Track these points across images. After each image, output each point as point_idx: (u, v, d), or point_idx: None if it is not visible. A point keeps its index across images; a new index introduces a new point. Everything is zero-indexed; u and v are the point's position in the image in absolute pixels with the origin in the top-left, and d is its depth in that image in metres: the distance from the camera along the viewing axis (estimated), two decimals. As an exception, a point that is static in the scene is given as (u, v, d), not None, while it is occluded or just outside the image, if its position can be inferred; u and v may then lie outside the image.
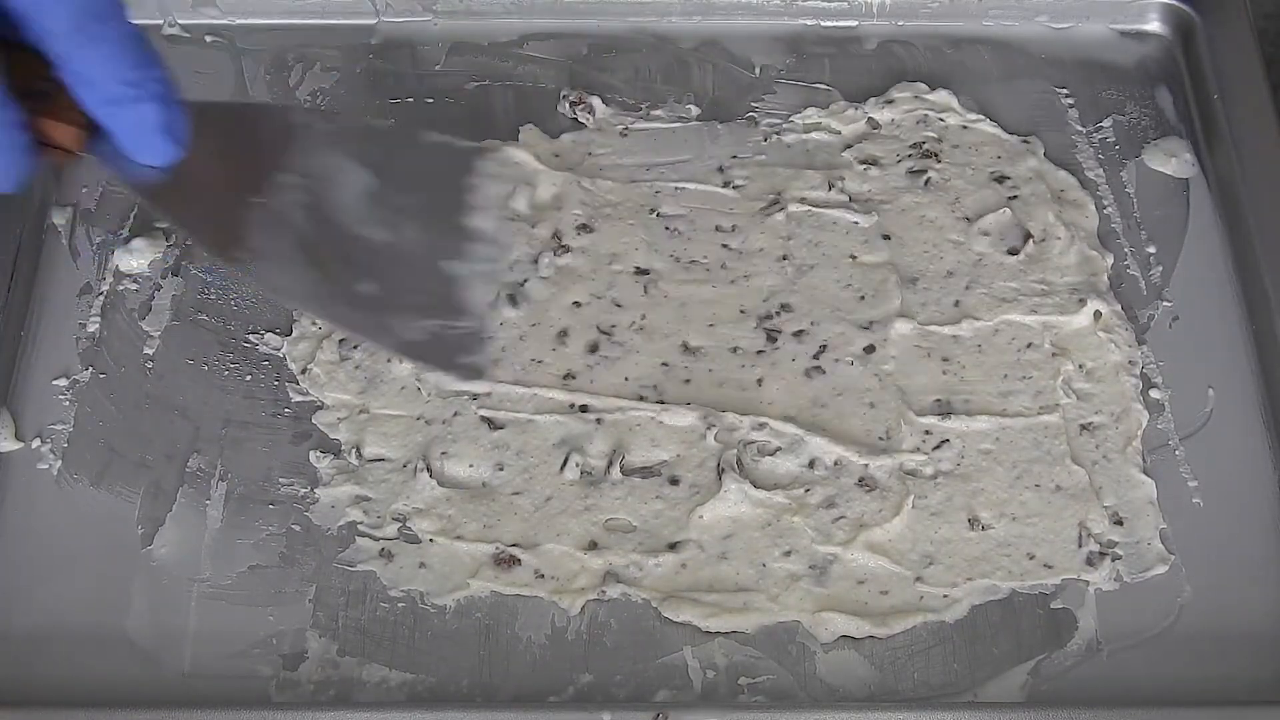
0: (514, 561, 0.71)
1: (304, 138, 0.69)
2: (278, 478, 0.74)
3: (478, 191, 0.73)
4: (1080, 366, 0.78)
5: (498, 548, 0.72)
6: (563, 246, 0.81)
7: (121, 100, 0.59)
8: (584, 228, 0.82)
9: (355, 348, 0.78)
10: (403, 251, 0.69)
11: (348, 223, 0.68)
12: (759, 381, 0.77)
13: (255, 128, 0.69)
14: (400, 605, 0.71)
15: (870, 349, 0.78)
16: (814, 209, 0.83)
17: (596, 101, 0.88)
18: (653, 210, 0.83)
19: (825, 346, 0.78)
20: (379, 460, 0.75)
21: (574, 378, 0.77)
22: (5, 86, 0.57)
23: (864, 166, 0.85)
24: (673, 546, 0.72)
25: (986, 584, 0.71)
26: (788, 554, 0.72)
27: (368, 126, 0.76)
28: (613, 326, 0.79)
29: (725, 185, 0.84)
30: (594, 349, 0.78)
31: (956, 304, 0.80)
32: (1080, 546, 0.72)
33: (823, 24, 0.92)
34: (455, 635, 0.70)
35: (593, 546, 0.72)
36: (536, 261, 0.81)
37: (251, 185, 0.67)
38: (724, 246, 0.82)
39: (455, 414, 0.76)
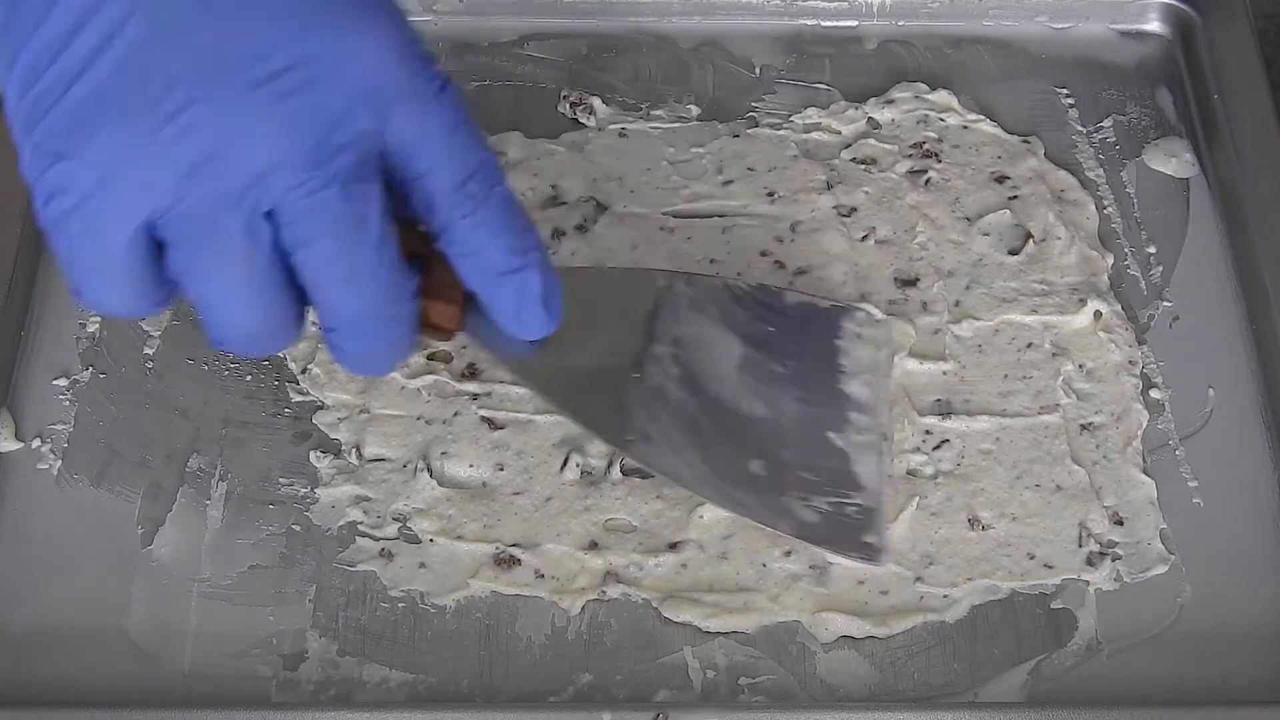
0: (514, 561, 0.71)
1: (667, 302, 0.65)
2: (278, 478, 0.74)
3: (848, 355, 0.71)
4: (1080, 366, 0.78)
5: (498, 548, 0.72)
6: (561, 238, 0.81)
7: (506, 270, 0.55)
8: (581, 227, 0.82)
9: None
10: (785, 426, 0.67)
11: (725, 396, 0.66)
12: (759, 382, 0.77)
13: (616, 292, 0.65)
14: (400, 605, 0.70)
15: (871, 349, 0.78)
16: (814, 208, 0.83)
17: (597, 102, 0.88)
18: (653, 209, 0.83)
19: (826, 347, 0.78)
20: (379, 460, 0.75)
21: (575, 378, 0.77)
22: (402, 257, 0.53)
23: (864, 166, 0.85)
24: (673, 546, 0.72)
25: (986, 584, 0.71)
26: (788, 554, 0.71)
27: (727, 285, 0.72)
28: (613, 326, 0.79)
29: (725, 184, 0.84)
30: (594, 349, 0.78)
31: (957, 304, 0.80)
32: (1080, 546, 0.72)
33: (823, 24, 0.92)
34: (455, 635, 0.70)
35: (593, 546, 0.72)
36: (536, 261, 0.80)
37: (625, 357, 0.64)
38: (724, 245, 0.82)
39: (455, 414, 0.76)
